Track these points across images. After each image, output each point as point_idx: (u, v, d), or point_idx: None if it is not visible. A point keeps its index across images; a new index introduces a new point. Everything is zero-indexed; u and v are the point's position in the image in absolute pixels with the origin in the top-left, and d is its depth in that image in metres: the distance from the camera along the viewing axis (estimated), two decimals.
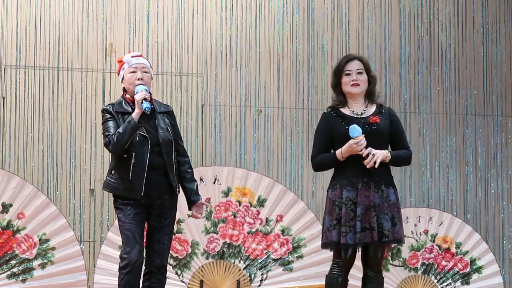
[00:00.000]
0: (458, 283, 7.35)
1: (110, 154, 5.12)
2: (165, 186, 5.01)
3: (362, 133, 4.86)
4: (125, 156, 4.94)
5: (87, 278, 6.73)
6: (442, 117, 7.89)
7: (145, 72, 5.08)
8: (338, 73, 5.05)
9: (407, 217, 7.34)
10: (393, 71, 7.83)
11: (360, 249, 4.97)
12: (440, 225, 7.37)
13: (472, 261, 7.38)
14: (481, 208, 7.87)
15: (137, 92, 4.95)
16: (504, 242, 7.88)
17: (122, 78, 5.11)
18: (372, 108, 5.04)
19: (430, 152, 7.83)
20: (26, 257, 6.69)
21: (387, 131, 4.99)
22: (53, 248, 6.73)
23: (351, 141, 4.85)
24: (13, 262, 6.68)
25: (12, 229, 6.69)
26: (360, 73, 5.02)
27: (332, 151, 5.01)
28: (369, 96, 5.06)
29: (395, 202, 4.96)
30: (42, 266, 6.71)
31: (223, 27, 7.56)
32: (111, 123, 4.99)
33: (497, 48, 8.02)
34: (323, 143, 5.02)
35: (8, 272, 6.66)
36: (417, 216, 7.36)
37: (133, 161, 4.92)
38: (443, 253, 7.36)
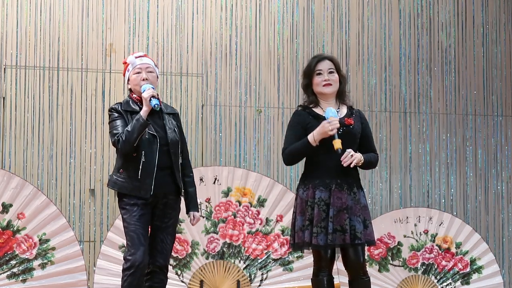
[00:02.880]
0: (458, 283, 7.35)
1: (115, 153, 5.12)
2: (171, 186, 5.02)
3: (338, 132, 4.80)
4: (134, 155, 4.94)
5: (87, 278, 6.73)
6: (442, 117, 7.89)
7: (150, 72, 5.09)
8: (309, 73, 4.99)
9: (407, 217, 7.35)
10: (393, 71, 7.83)
11: (339, 252, 4.95)
12: (440, 225, 7.38)
13: (472, 261, 7.38)
14: (481, 208, 7.87)
15: (144, 91, 4.95)
16: (504, 242, 7.88)
17: (128, 80, 5.12)
18: (344, 109, 5.00)
19: (430, 152, 7.84)
20: (26, 257, 6.69)
21: (359, 134, 4.96)
22: (53, 248, 6.72)
23: (324, 121, 4.79)
24: (13, 262, 6.68)
25: (12, 229, 6.69)
26: (331, 72, 4.96)
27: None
28: (340, 96, 5.02)
29: (366, 205, 4.93)
30: (42, 266, 6.71)
31: (223, 27, 7.56)
32: (119, 122, 4.98)
33: (497, 48, 8.03)
34: (296, 137, 4.90)
35: (8, 272, 6.65)
36: (417, 216, 7.36)
37: (142, 160, 4.92)
38: (443, 253, 7.36)
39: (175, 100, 7.38)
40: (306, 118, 4.93)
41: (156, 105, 4.89)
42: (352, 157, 4.80)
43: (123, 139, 4.89)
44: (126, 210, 4.97)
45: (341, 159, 4.80)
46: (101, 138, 7.20)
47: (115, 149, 5.05)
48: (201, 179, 6.98)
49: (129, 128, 4.89)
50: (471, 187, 7.88)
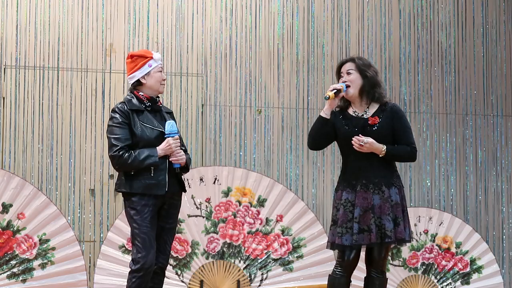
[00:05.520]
0: (458, 283, 7.35)
1: None
2: (176, 183, 5.00)
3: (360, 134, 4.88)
4: None
5: (87, 278, 6.73)
6: (442, 117, 7.89)
7: None
8: (338, 77, 5.06)
9: None
10: (393, 71, 7.83)
11: (363, 250, 4.97)
12: (440, 225, 7.37)
13: (472, 261, 7.38)
14: (481, 208, 7.87)
15: (170, 134, 4.93)
16: (504, 242, 7.88)
17: (147, 74, 4.98)
18: (374, 108, 4.99)
19: (430, 152, 7.83)
20: (26, 257, 6.69)
21: (388, 130, 4.92)
22: (53, 248, 6.72)
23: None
24: (13, 262, 6.68)
25: (12, 229, 6.69)
26: (348, 73, 4.97)
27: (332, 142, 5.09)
28: (368, 94, 4.98)
29: (399, 202, 4.89)
30: (42, 266, 6.71)
31: (223, 27, 7.56)
32: (121, 131, 4.87)
33: (497, 48, 8.03)
34: None
35: (8, 272, 6.66)
36: (417, 216, 7.36)
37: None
38: (443, 253, 7.36)
39: (175, 100, 7.38)
40: (335, 116, 4.99)
41: (177, 168, 4.94)
42: (361, 141, 4.81)
43: (128, 161, 4.83)
44: (137, 211, 4.87)
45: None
46: (101, 138, 7.19)
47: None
48: (201, 179, 6.98)
49: (140, 156, 4.82)
50: (471, 187, 7.88)
